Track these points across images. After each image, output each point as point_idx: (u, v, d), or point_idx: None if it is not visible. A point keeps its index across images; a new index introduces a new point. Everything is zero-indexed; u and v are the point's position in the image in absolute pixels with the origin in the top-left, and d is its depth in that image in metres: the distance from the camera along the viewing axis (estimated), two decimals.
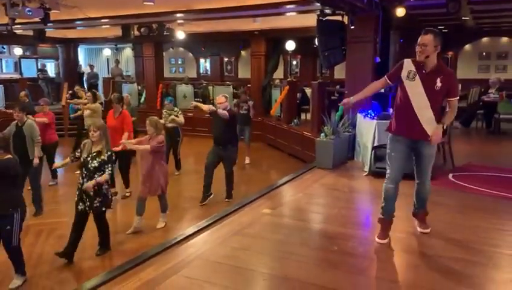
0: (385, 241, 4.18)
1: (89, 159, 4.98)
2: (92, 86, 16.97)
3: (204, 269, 3.73)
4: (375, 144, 6.59)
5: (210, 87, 14.80)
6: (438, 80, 3.89)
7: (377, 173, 6.41)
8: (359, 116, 7.45)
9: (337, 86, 10.93)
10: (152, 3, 8.07)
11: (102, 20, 11.28)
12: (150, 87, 15.22)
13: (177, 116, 8.55)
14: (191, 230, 4.65)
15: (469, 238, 4.28)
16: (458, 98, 4.03)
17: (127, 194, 7.46)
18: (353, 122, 7.59)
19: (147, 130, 5.81)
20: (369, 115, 7.06)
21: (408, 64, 4.05)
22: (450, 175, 6.50)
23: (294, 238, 4.35)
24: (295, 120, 11.07)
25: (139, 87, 15.91)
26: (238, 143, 7.26)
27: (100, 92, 16.22)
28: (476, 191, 5.80)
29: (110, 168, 5.01)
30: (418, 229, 4.45)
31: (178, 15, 10.50)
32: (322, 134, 7.12)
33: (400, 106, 4.10)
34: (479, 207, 5.23)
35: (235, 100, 9.84)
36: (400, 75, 4.06)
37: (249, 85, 14.09)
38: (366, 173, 6.64)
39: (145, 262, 3.89)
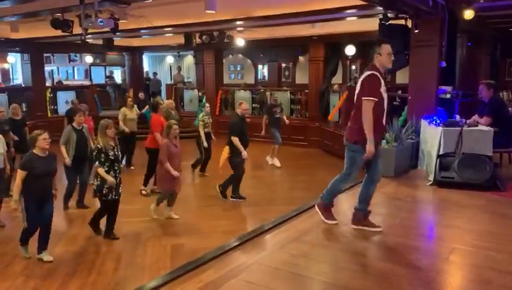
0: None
1: (117, 153, 5.58)
2: (156, 93, 17.70)
3: (263, 274, 3.75)
4: (440, 152, 6.32)
5: (267, 93, 14.91)
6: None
7: (442, 183, 6.15)
8: (423, 123, 7.18)
9: (399, 91, 10.61)
10: (213, 12, 8.27)
11: (166, 29, 11.71)
12: (210, 93, 15.59)
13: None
14: (249, 235, 4.70)
15: None
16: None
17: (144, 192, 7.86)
18: (417, 129, 7.33)
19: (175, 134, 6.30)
20: (434, 122, 6.78)
21: (380, 77, 4.38)
22: None
23: (353, 248, 4.27)
24: None
25: (200, 94, 16.35)
26: None
27: (164, 98, 16.86)
28: None
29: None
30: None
31: (238, 22, 10.67)
32: (384, 141, 6.93)
33: (378, 117, 4.42)
34: None
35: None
36: (380, 90, 4.33)
37: (306, 90, 14.04)
38: (431, 183, 6.37)
39: (205, 264, 3.98)
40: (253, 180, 8.94)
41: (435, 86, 7.53)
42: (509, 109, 7.46)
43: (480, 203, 5.57)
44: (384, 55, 4.40)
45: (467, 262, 3.96)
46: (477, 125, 6.45)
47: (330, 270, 3.83)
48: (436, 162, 6.28)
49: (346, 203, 5.85)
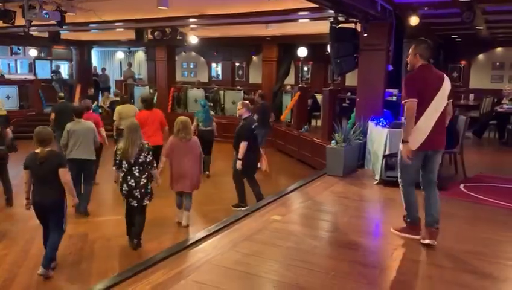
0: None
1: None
2: (105, 89, 17.18)
3: (213, 274, 3.74)
4: (386, 153, 6.56)
5: (221, 92, 14.87)
6: None
7: (388, 182, 6.38)
8: (370, 124, 7.43)
9: (348, 93, 10.92)
10: (166, 8, 8.14)
11: (117, 24, 11.40)
12: (162, 90, 15.33)
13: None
14: (200, 235, 4.67)
15: (480, 250, 4.24)
16: (405, 101, 4.15)
17: None
18: (364, 130, 7.57)
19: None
20: (380, 123, 7.03)
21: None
22: (461, 186, 6.45)
23: (304, 246, 4.35)
24: (305, 126, 11.08)
25: (151, 90, 16.04)
26: None
27: (112, 95, 16.38)
28: (488, 202, 5.75)
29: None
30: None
31: (191, 20, 10.58)
32: (333, 141, 7.11)
33: None
34: (490, 219, 5.19)
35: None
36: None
37: (259, 90, 14.12)
38: (377, 182, 6.61)
39: (155, 265, 3.91)
40: (204, 179, 8.87)
41: (382, 88, 7.82)
42: None
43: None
44: None
45: (410, 258, 4.13)
46: None
47: (280, 268, 3.87)
48: (382, 162, 6.52)
49: (297, 202, 5.96)
